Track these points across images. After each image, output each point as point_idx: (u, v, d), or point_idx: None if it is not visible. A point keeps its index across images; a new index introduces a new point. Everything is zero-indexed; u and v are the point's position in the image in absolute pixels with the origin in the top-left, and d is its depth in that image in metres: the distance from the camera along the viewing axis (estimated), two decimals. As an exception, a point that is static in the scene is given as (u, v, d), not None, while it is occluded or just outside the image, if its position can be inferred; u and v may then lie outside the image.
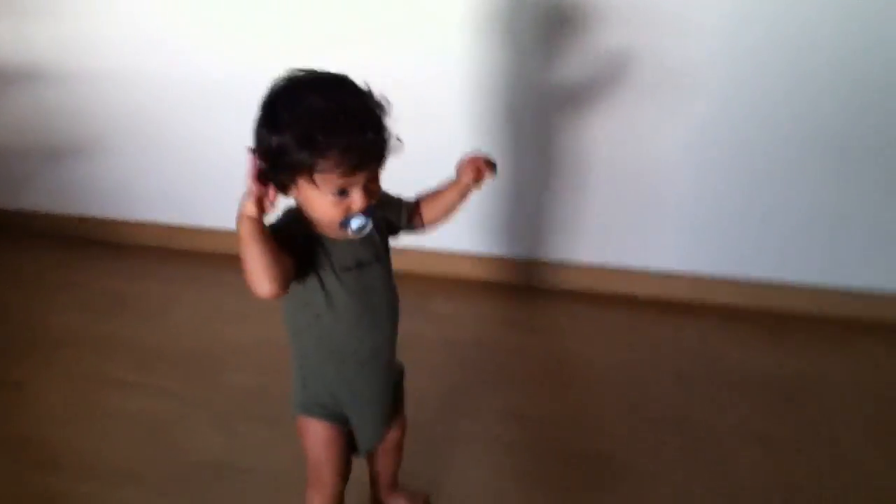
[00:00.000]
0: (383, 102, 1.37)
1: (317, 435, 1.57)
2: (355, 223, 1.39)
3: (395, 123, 1.37)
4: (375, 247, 1.50)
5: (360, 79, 1.38)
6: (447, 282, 2.87)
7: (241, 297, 2.83)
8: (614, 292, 2.79)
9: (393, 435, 1.75)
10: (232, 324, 2.71)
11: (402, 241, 1.63)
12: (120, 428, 2.23)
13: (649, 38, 2.42)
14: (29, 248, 3.24)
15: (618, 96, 2.51)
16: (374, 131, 1.34)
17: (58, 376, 2.45)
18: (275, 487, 2.01)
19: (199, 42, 2.82)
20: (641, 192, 2.62)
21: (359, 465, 1.72)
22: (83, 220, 3.29)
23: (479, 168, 1.53)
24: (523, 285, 2.86)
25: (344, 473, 1.62)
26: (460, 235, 2.80)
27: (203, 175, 3.07)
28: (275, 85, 1.36)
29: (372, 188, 1.38)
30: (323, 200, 1.36)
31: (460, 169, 1.54)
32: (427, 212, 1.58)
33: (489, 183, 1.58)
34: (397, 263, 1.58)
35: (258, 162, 1.34)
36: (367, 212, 1.38)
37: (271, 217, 1.39)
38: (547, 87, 2.56)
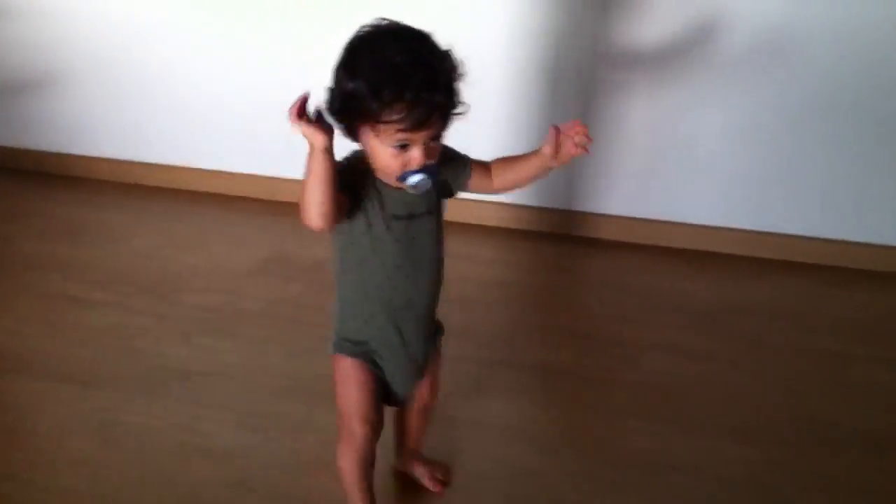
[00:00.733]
0: (460, 65, 1.38)
1: (347, 373, 1.58)
2: (413, 179, 1.40)
3: (469, 88, 1.39)
4: (430, 201, 1.51)
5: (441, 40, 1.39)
6: (489, 230, 3.07)
7: (197, 227, 3.05)
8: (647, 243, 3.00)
9: (423, 395, 1.73)
10: (189, 250, 2.87)
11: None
12: (86, 339, 2.40)
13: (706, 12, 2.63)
14: (-13, 180, 3.35)
15: (667, 62, 2.73)
16: (444, 92, 1.35)
17: (23, 295, 2.60)
18: (239, 389, 2.20)
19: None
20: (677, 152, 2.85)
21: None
22: (41, 155, 3.40)
23: (570, 146, 1.46)
24: (560, 235, 3.06)
25: (373, 422, 1.61)
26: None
27: (159, 112, 3.21)
28: (359, 31, 1.39)
29: (433, 147, 1.40)
30: (383, 151, 1.39)
31: (548, 140, 1.46)
32: (499, 176, 1.56)
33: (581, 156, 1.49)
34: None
35: (319, 103, 1.36)
36: (427, 169, 1.40)
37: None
38: (596, 44, 2.76)
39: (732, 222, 2.88)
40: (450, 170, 1.52)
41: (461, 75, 1.38)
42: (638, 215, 2.95)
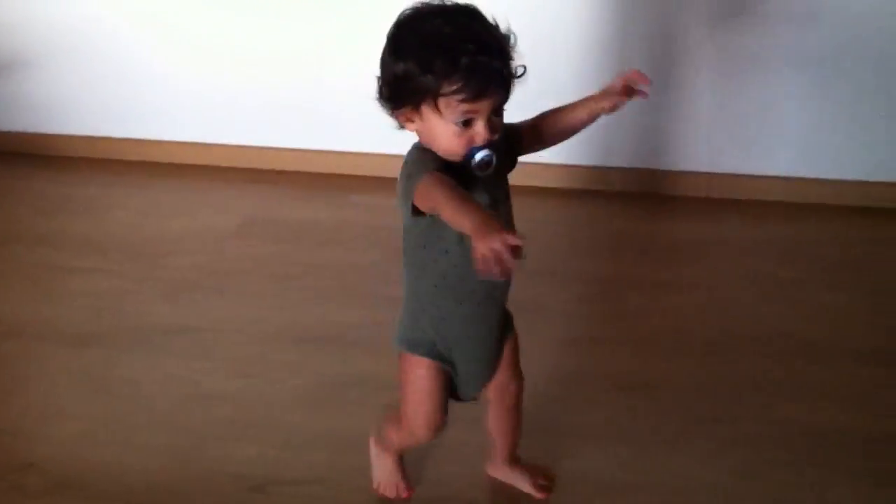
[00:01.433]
0: (511, 35, 1.33)
1: (421, 374, 1.53)
2: (479, 156, 1.33)
3: (522, 58, 1.34)
4: (505, 186, 1.46)
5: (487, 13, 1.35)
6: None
7: (177, 196, 3.07)
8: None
9: (508, 389, 1.65)
10: (171, 218, 2.89)
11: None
12: (75, 302, 2.42)
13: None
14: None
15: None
16: (500, 57, 1.30)
17: (8, 266, 2.62)
18: (230, 341, 2.24)
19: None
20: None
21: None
22: (16, 136, 3.40)
23: (624, 88, 1.43)
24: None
25: (439, 427, 1.57)
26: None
27: (131, 89, 3.22)
28: (400, 15, 1.35)
29: (496, 121, 1.33)
30: (446, 129, 1.31)
31: (611, 88, 1.44)
32: (548, 131, 1.49)
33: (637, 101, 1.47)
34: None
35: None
36: (492, 146, 1.33)
37: (413, 160, 1.35)
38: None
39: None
40: (511, 142, 1.45)
41: (513, 44, 1.33)
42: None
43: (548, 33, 2.74)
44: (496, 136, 1.33)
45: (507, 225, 1.37)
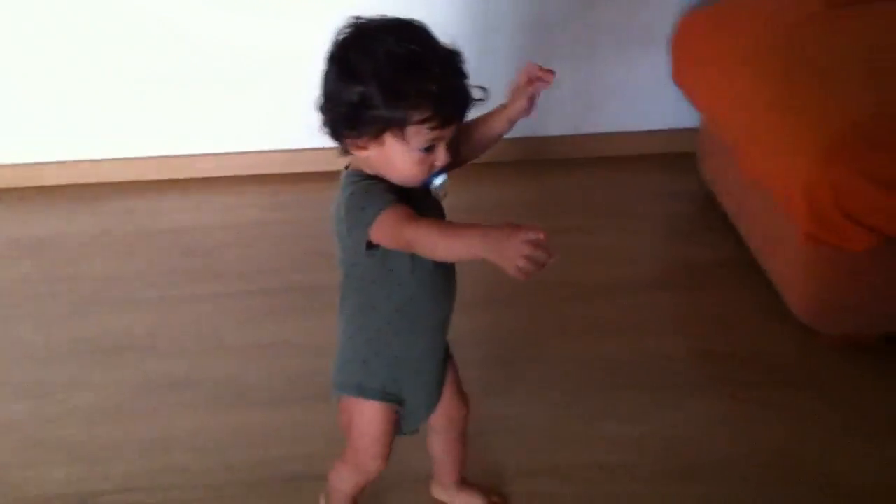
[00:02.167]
0: (456, 48, 1.25)
1: (373, 418, 1.45)
2: (440, 180, 1.28)
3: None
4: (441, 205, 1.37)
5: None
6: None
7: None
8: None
9: (461, 414, 1.60)
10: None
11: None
12: None
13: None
14: None
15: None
16: (463, 81, 1.23)
17: None
18: (2, 366, 2.17)
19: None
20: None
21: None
22: None
23: (528, 82, 1.36)
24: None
25: (387, 457, 1.52)
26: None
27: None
28: (341, 35, 1.25)
29: (452, 141, 1.26)
30: (409, 157, 1.23)
31: (513, 90, 1.38)
32: (469, 145, 1.40)
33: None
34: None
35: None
36: (446, 167, 1.28)
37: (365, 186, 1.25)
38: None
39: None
40: None
41: (463, 57, 1.25)
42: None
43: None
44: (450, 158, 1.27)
45: None
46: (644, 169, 2.96)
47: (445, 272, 1.38)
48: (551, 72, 1.36)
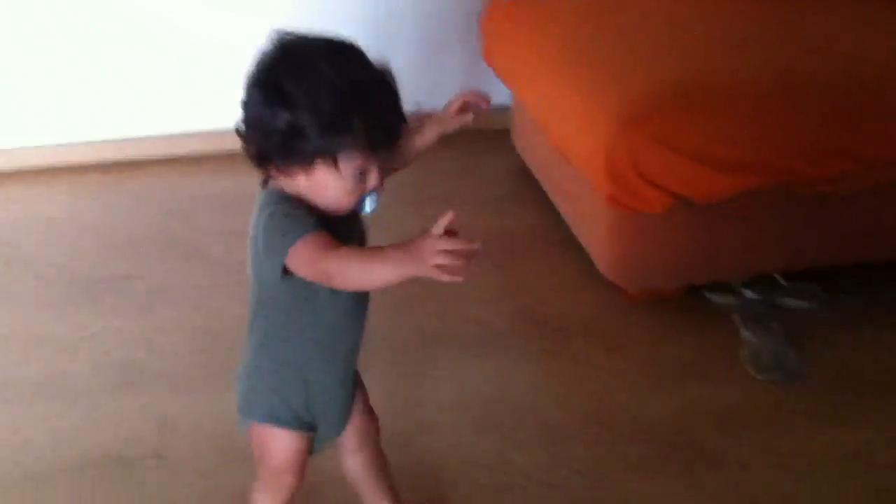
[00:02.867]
0: (387, 67, 1.20)
1: (285, 445, 1.39)
2: (370, 205, 1.24)
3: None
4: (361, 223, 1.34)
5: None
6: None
7: None
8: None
9: (372, 430, 1.54)
10: None
11: None
12: None
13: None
14: None
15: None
16: (398, 106, 1.19)
17: None
18: None
19: None
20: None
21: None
22: None
23: (463, 106, 1.41)
24: None
25: (304, 472, 1.45)
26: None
27: None
28: (268, 55, 1.18)
29: (386, 164, 1.23)
30: (340, 185, 1.19)
31: (448, 107, 1.42)
32: (401, 156, 1.37)
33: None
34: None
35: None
36: (377, 189, 1.23)
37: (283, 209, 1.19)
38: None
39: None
40: None
41: (394, 77, 1.21)
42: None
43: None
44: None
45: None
46: (463, 146, 3.05)
47: (361, 298, 1.34)
48: (488, 99, 1.42)
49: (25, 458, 1.84)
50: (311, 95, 1.14)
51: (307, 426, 1.40)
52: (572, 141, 2.21)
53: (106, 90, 2.87)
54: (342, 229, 1.23)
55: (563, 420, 1.96)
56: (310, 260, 1.16)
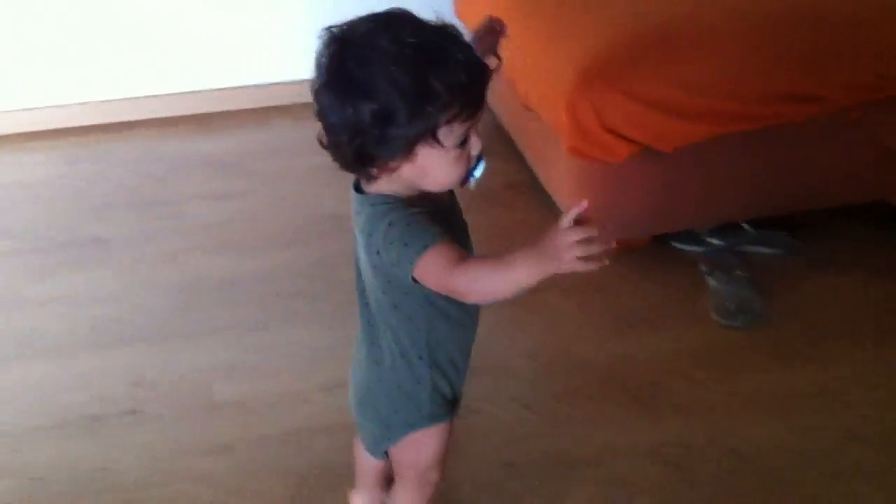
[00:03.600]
0: (444, 20, 1.13)
1: (442, 438, 1.37)
2: (479, 171, 1.17)
3: None
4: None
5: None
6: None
7: None
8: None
9: None
10: None
11: None
12: None
13: None
14: None
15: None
16: (471, 54, 1.11)
17: None
18: None
19: None
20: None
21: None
22: None
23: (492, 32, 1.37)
24: None
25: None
26: None
27: None
28: (325, 54, 1.10)
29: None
30: (446, 159, 1.11)
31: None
32: None
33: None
34: None
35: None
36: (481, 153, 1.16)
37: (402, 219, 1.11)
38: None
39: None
40: None
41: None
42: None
43: None
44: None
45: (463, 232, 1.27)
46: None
47: None
48: (502, 22, 1.37)
49: (3, 417, 1.89)
50: (385, 76, 1.06)
51: (454, 407, 1.37)
52: (537, 94, 2.23)
53: (78, 53, 2.88)
54: (454, 220, 1.21)
55: (527, 362, 2.01)
56: (437, 276, 1.10)
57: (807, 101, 2.12)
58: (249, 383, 1.98)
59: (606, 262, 1.03)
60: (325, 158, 1.17)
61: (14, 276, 2.31)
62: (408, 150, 1.09)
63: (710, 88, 2.06)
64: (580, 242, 1.01)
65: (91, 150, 2.86)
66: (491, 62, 1.19)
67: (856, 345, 2.04)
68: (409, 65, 1.06)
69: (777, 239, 2.32)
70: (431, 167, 1.12)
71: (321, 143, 1.14)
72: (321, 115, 1.12)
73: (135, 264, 2.35)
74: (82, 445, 1.82)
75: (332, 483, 1.69)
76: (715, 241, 2.30)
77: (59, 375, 1.99)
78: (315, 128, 1.15)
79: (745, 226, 2.33)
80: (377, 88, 1.06)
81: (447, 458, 1.43)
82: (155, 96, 3.00)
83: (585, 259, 1.02)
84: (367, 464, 1.53)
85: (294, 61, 3.10)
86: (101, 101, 2.96)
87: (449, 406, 1.35)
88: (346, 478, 1.61)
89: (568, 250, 1.02)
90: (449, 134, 1.09)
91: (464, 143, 1.12)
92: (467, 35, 1.21)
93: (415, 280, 1.11)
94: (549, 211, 2.42)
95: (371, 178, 1.14)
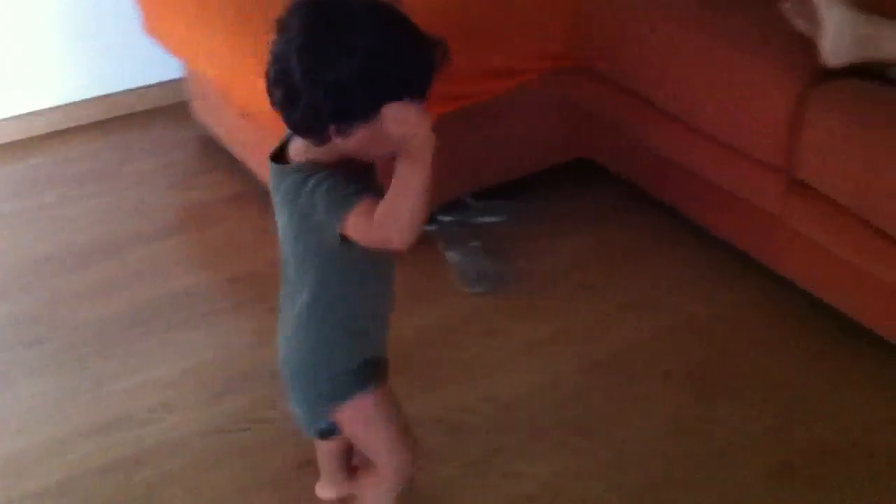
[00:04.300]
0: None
1: (379, 405, 1.37)
2: None
3: None
4: None
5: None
6: None
7: None
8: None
9: None
10: None
11: None
12: None
13: None
14: None
15: None
16: (419, 30, 1.17)
17: None
18: None
19: None
20: None
21: None
22: None
23: None
24: None
25: (412, 438, 1.44)
26: None
27: None
28: (295, 21, 1.13)
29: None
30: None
31: None
32: None
33: None
34: None
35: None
36: None
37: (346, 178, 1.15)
38: None
39: None
40: None
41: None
42: None
43: None
44: None
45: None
46: (138, 126, 2.96)
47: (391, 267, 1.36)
48: None
49: None
50: (374, 41, 1.11)
51: (381, 372, 1.38)
52: (255, 101, 2.20)
53: None
54: (373, 179, 1.25)
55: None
56: (365, 229, 1.14)
57: (505, 76, 2.27)
58: (3, 445, 1.83)
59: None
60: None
61: None
62: (373, 114, 1.12)
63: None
64: (413, 115, 1.10)
65: None
66: None
67: (585, 287, 2.23)
68: (385, 32, 1.12)
69: (498, 207, 2.48)
70: (381, 134, 1.13)
71: (273, 103, 1.16)
72: (286, 73, 1.12)
73: None
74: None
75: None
76: (446, 219, 2.41)
77: None
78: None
79: (469, 199, 2.46)
80: (369, 50, 1.10)
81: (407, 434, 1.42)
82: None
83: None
84: (322, 449, 1.54)
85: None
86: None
87: (374, 371, 1.36)
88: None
89: (416, 128, 1.10)
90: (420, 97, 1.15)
91: None
92: None
93: (343, 239, 1.16)
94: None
95: (321, 141, 1.16)
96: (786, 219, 2.00)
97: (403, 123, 1.10)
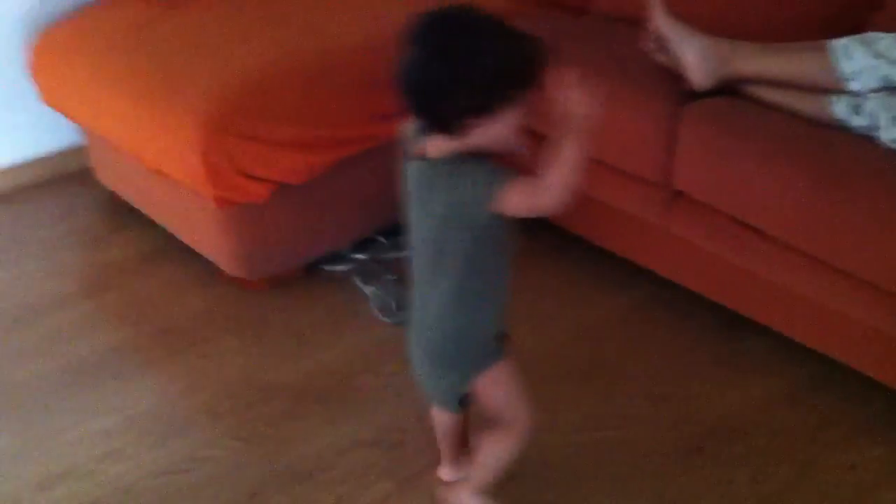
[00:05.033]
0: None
1: (502, 377, 1.55)
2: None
3: None
4: None
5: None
6: None
7: None
8: None
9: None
10: None
11: None
12: None
13: None
14: None
15: None
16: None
17: None
18: None
19: None
20: None
21: None
22: None
23: None
24: None
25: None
26: None
27: None
28: (426, 28, 1.30)
29: None
30: (516, 124, 1.35)
31: None
32: None
33: None
34: None
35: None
36: None
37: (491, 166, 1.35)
38: None
39: None
40: None
41: None
42: None
43: None
44: None
45: None
46: (46, 194, 2.98)
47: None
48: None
49: None
50: (494, 43, 1.29)
51: (509, 341, 1.58)
52: (167, 157, 2.28)
53: None
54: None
55: (226, 401, 2.10)
56: (527, 197, 1.31)
57: (384, 118, 2.31)
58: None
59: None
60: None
61: None
62: (502, 108, 1.31)
63: (322, 119, 2.27)
64: (579, 92, 1.29)
65: None
66: None
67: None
68: (507, 40, 1.30)
69: (405, 242, 2.59)
70: (510, 127, 1.34)
71: (413, 110, 1.34)
72: (432, 76, 1.29)
73: None
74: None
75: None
76: (360, 256, 2.53)
77: None
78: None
79: (379, 237, 2.59)
80: (499, 51, 1.28)
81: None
82: None
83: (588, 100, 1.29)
84: (445, 430, 1.71)
85: None
86: None
87: (503, 343, 1.56)
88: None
89: (582, 107, 1.30)
90: (524, 102, 1.33)
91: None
92: None
93: (492, 215, 1.33)
94: (198, 265, 2.49)
95: (461, 136, 1.32)
96: (669, 227, 2.19)
97: (577, 105, 1.29)
